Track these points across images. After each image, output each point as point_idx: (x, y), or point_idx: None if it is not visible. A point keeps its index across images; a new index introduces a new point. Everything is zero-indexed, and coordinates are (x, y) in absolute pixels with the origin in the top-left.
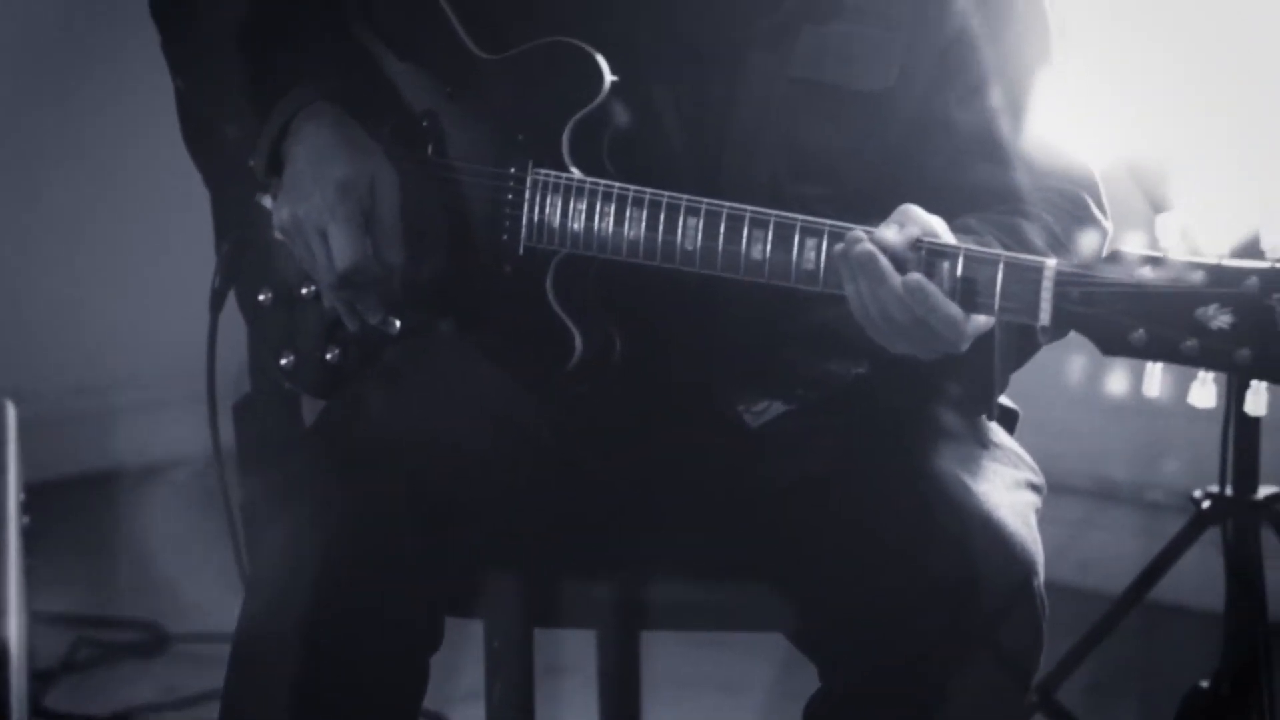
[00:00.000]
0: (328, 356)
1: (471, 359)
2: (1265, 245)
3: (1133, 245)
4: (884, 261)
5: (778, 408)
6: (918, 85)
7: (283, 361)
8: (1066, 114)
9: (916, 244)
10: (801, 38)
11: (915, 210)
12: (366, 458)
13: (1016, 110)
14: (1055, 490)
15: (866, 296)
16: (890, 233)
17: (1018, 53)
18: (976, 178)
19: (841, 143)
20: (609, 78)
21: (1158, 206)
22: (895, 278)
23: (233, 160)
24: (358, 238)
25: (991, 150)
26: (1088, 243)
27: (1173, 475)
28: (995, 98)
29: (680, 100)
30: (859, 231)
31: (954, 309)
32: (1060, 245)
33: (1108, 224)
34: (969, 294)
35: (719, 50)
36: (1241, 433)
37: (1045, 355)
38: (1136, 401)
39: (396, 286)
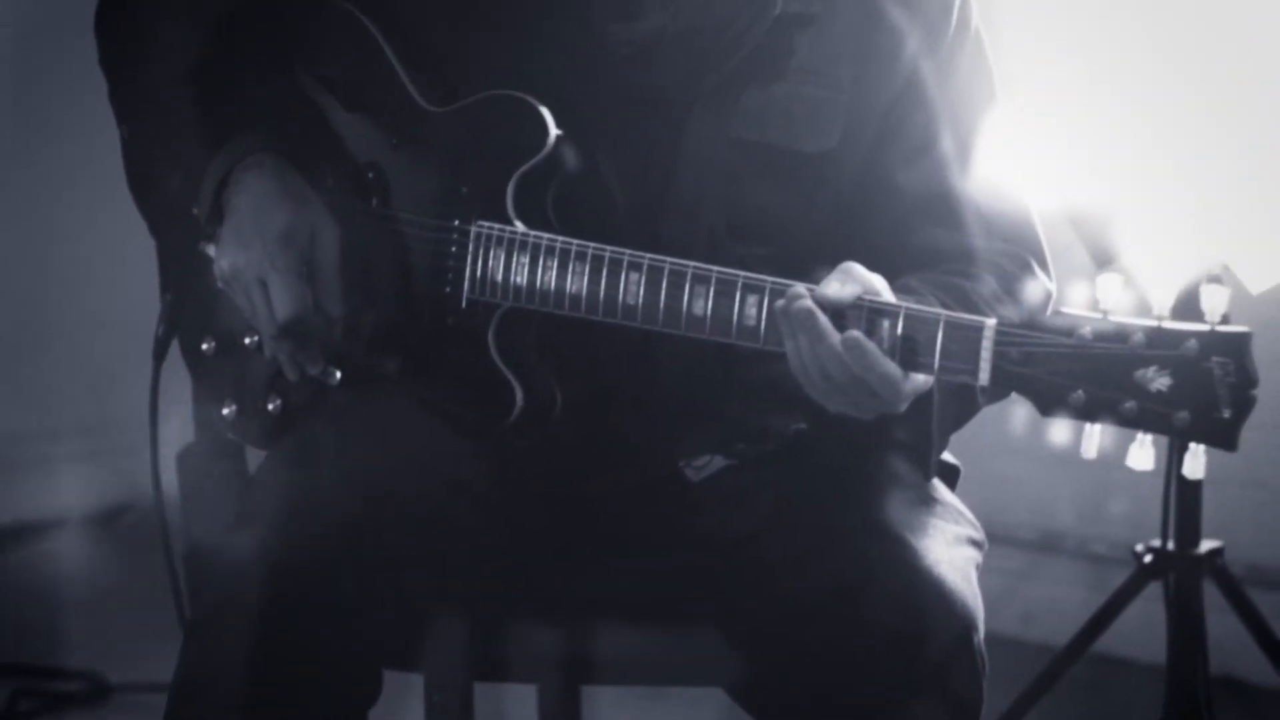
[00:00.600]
0: (270, 407)
1: (413, 411)
2: (1205, 307)
3: (1077, 301)
4: (823, 318)
5: (719, 462)
6: (861, 146)
7: (225, 411)
8: (1011, 171)
9: (857, 301)
10: (744, 98)
11: (857, 268)
12: (306, 509)
13: (961, 171)
14: (999, 542)
15: (805, 353)
16: (831, 289)
17: (961, 114)
18: (921, 239)
19: (784, 203)
20: (554, 131)
21: (1101, 261)
22: (834, 335)
23: (176, 208)
24: (298, 288)
25: (935, 212)
26: (1030, 304)
27: (1117, 527)
28: (939, 158)
29: (623, 158)
30: (800, 288)
31: (891, 367)
32: (1001, 307)
33: (1051, 285)
34: (909, 352)
35: (662, 109)
36: (1183, 487)
37: (991, 406)
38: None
39: (338, 337)
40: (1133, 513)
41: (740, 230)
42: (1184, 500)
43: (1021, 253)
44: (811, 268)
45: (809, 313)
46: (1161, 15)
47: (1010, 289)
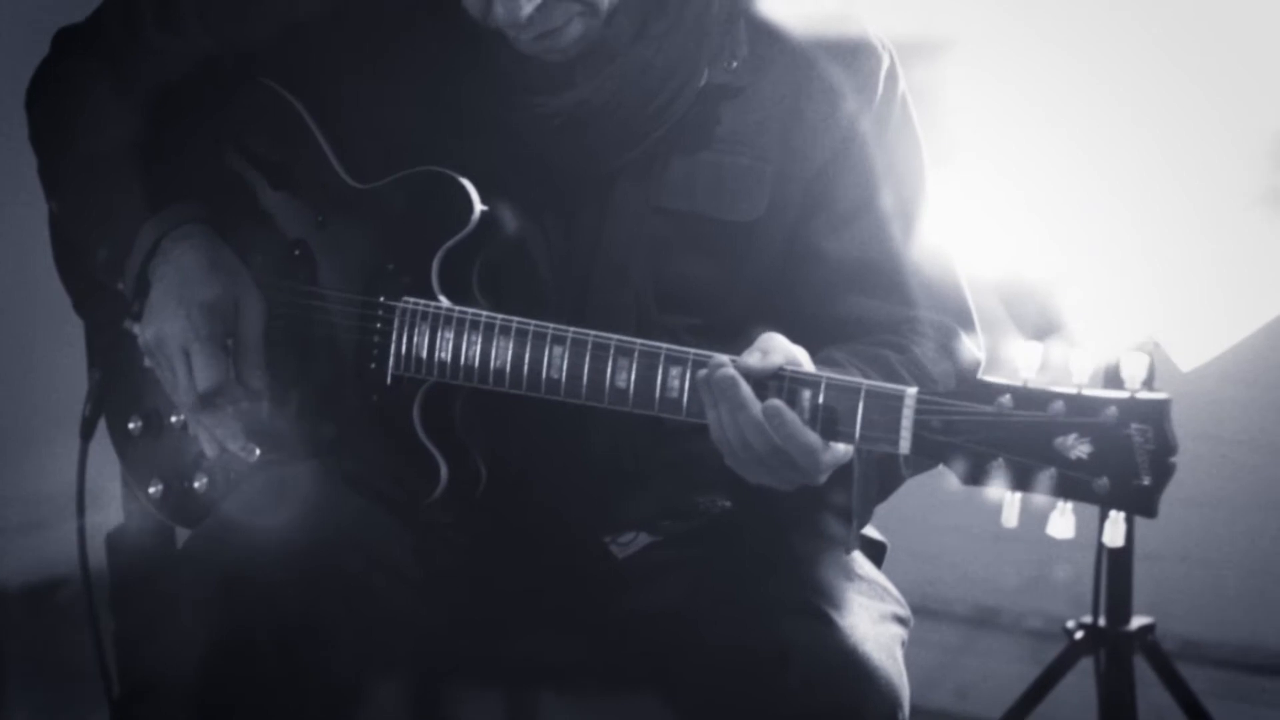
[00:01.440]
0: (195, 485)
1: (338, 487)
2: (1125, 375)
3: (1001, 370)
4: (745, 387)
5: (644, 539)
6: (788, 215)
7: (151, 490)
8: (940, 237)
9: (779, 372)
10: (671, 168)
11: (779, 339)
12: (232, 587)
13: (887, 239)
14: (934, 616)
15: (726, 422)
16: (753, 359)
17: (888, 182)
18: (847, 308)
19: (712, 273)
20: (479, 207)
21: (1032, 334)
22: (755, 404)
23: (103, 285)
24: (219, 359)
25: (862, 280)
26: (957, 373)
27: (1053, 601)
28: (865, 226)
29: (549, 229)
30: (722, 357)
31: (812, 437)
32: (927, 377)
33: (980, 353)
34: (830, 422)
35: (590, 179)
36: (1115, 563)
37: (925, 479)
38: (1017, 526)
39: (259, 412)
40: (1069, 586)
41: (669, 300)
42: (1115, 576)
43: (949, 321)
44: (738, 339)
45: (731, 381)
46: (1100, 92)
47: (936, 360)
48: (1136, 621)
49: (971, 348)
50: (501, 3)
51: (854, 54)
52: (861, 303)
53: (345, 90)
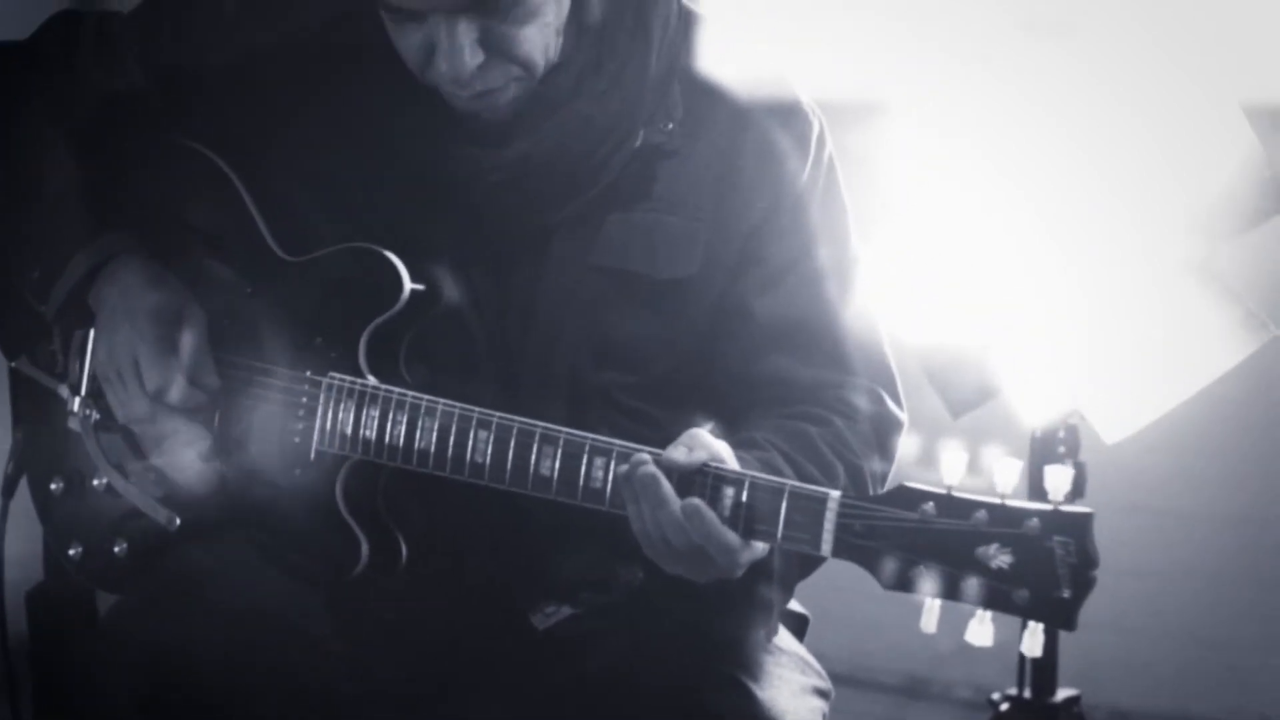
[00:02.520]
0: (115, 549)
1: (260, 560)
2: (1048, 486)
3: (922, 435)
4: (666, 486)
5: (565, 610)
6: (720, 273)
7: (71, 552)
8: (867, 301)
9: (703, 469)
10: (606, 226)
11: (703, 435)
12: (152, 663)
13: (815, 299)
14: (863, 686)
15: (647, 518)
16: (678, 454)
17: (817, 244)
18: (771, 369)
19: (645, 330)
20: (408, 286)
21: (956, 408)
22: (675, 502)
23: (29, 337)
24: (166, 360)
25: (788, 340)
26: (878, 441)
27: (983, 671)
28: (794, 286)
29: (483, 292)
30: (644, 454)
31: (730, 536)
32: (849, 451)
33: (903, 415)
34: (752, 521)
35: (525, 235)
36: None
37: None
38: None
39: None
40: (1000, 655)
41: (603, 357)
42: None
43: (873, 385)
44: (671, 396)
45: (653, 478)
46: (1029, 163)
47: (858, 430)
48: (1062, 693)
49: (895, 410)
50: (445, 60)
51: (788, 117)
52: (785, 364)
53: (282, 138)
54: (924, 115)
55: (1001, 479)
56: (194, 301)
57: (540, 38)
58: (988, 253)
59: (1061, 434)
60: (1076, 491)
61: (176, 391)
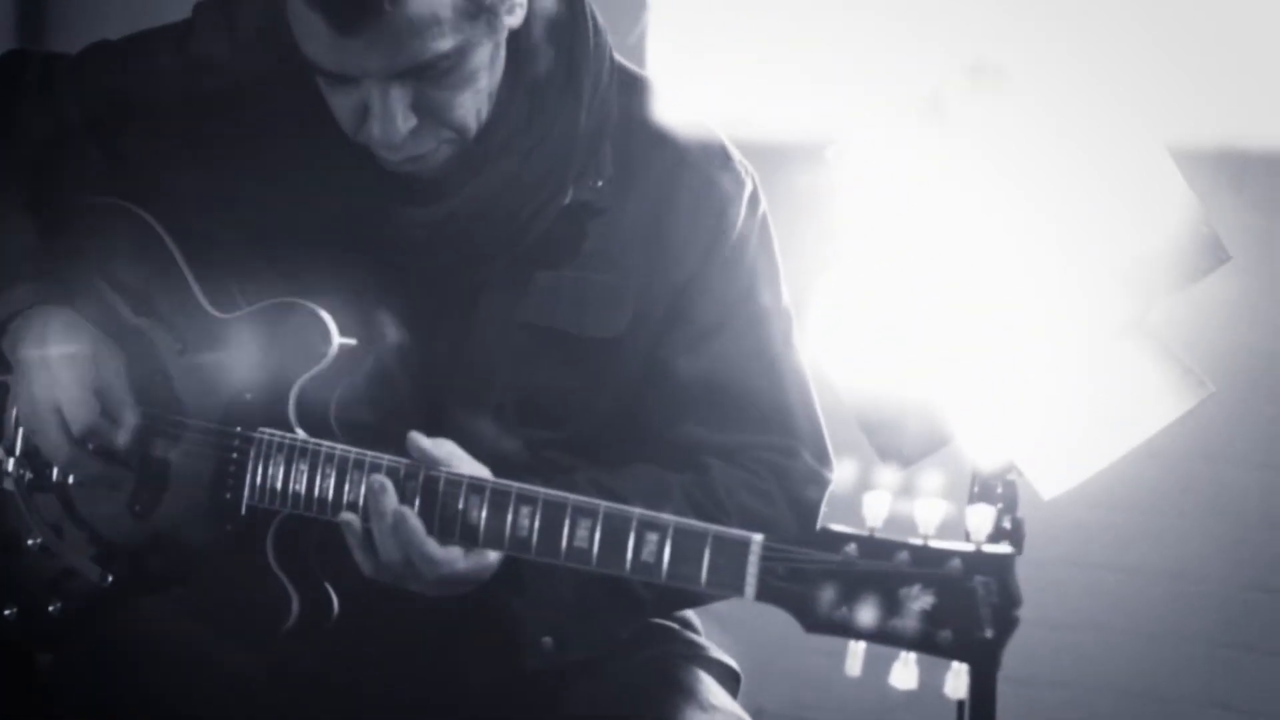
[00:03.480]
0: (50, 609)
1: (192, 615)
2: (969, 527)
3: (851, 495)
4: (392, 494)
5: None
6: (647, 332)
7: (6, 613)
8: (794, 360)
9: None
10: (534, 283)
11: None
12: (91, 716)
13: (740, 359)
14: None
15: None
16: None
17: (745, 303)
18: (687, 435)
19: (572, 387)
20: (336, 340)
21: (888, 458)
22: (392, 512)
23: None
24: (87, 402)
25: (704, 405)
26: (788, 499)
27: None
28: (720, 346)
29: (411, 347)
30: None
31: (432, 548)
32: (719, 509)
33: (826, 472)
34: (676, 564)
35: (453, 292)
36: (977, 690)
37: None
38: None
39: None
40: (946, 706)
41: (529, 414)
42: (978, 703)
43: (794, 444)
44: (597, 453)
45: (383, 487)
46: (968, 220)
47: (754, 489)
48: None
49: (813, 468)
50: (378, 124)
51: (720, 175)
52: (702, 432)
53: (214, 191)
54: (868, 158)
55: (923, 520)
56: (109, 341)
57: (473, 102)
58: (924, 309)
59: (1000, 489)
60: (1015, 545)
61: (103, 433)
